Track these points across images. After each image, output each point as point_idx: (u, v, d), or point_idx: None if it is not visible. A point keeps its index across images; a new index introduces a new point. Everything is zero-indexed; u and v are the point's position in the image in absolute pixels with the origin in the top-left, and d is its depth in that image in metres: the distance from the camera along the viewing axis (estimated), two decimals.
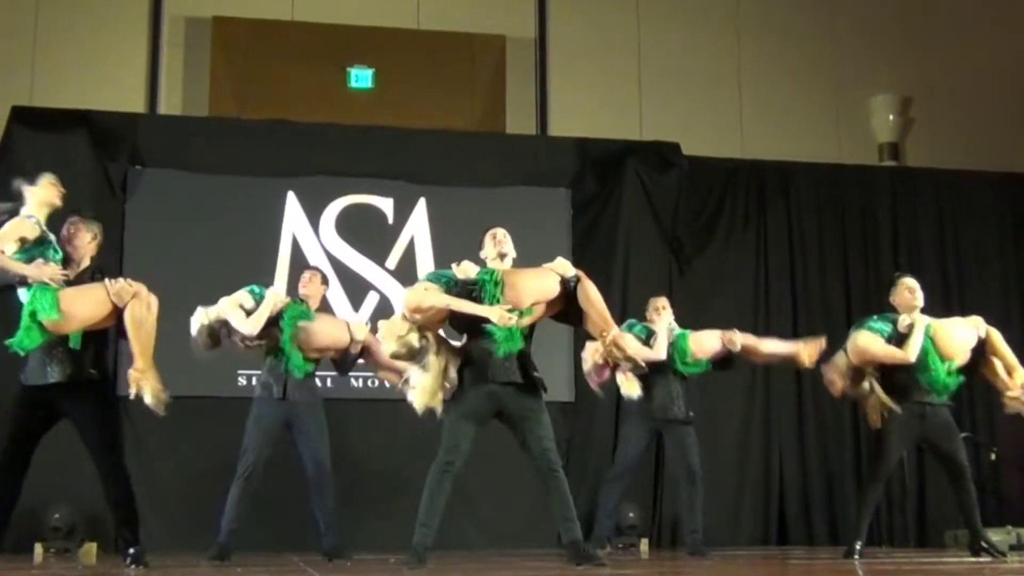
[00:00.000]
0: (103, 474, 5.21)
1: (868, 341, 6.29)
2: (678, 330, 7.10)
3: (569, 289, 5.26)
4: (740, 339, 7.01)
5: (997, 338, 6.34)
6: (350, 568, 5.67)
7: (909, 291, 6.47)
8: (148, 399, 5.07)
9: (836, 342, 9.28)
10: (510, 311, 5.09)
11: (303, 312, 6.39)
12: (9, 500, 5.14)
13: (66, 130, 8.34)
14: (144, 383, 5.06)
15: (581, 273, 5.30)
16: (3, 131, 8.34)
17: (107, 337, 5.33)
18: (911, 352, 6.19)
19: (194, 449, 8.02)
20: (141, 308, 5.05)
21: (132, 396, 5.09)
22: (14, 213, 5.13)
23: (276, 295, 6.32)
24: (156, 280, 8.27)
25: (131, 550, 5.20)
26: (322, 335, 6.44)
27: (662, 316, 7.10)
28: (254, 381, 7.97)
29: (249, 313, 6.19)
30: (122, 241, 8.38)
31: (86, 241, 5.32)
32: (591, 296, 5.26)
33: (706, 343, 7.06)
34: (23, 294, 5.00)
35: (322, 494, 6.29)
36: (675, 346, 7.01)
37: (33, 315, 4.93)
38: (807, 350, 7.00)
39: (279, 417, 6.31)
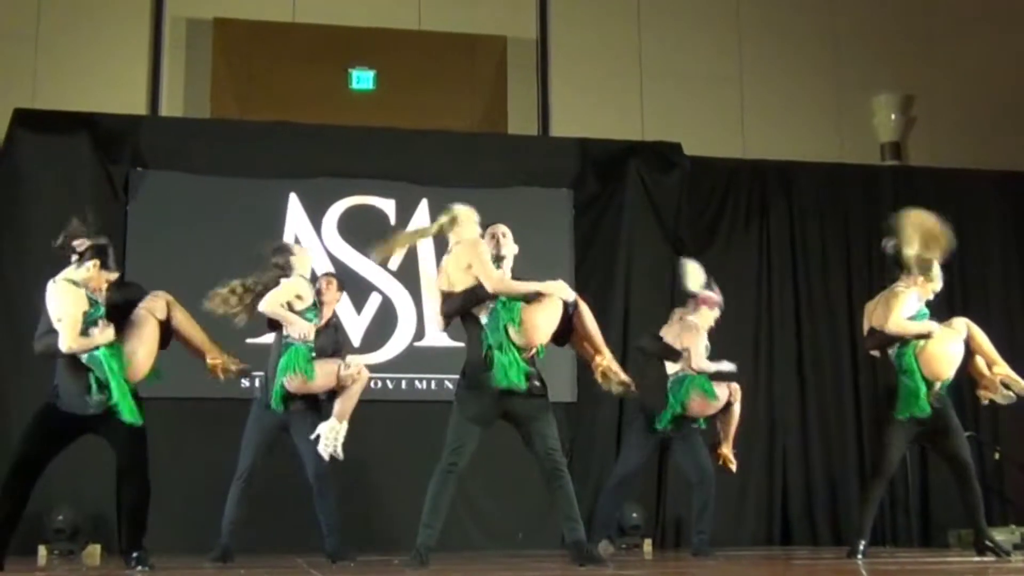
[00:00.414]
0: (126, 481, 5.34)
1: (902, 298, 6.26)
2: (693, 374, 6.90)
3: (568, 313, 5.26)
4: (739, 395, 6.99)
5: (978, 335, 6.35)
6: (353, 569, 5.67)
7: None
8: (235, 375, 5.63)
9: (838, 341, 9.39)
10: (521, 350, 5.08)
11: (305, 365, 6.06)
12: (22, 506, 5.19)
13: (68, 132, 8.34)
14: (227, 364, 5.53)
15: (578, 298, 5.31)
16: (5, 134, 8.35)
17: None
18: (894, 321, 6.14)
19: (198, 450, 8.01)
20: (178, 309, 5.45)
21: (223, 380, 5.62)
22: (71, 244, 5.24)
23: (297, 288, 6.18)
24: (158, 282, 8.34)
25: (135, 553, 5.28)
26: (310, 386, 6.19)
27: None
28: (257, 383, 7.97)
29: (289, 306, 6.12)
30: (124, 243, 8.39)
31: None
32: (587, 321, 5.30)
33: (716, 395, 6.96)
34: (96, 358, 5.12)
35: (323, 496, 6.28)
36: (685, 386, 6.87)
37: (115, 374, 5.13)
38: (728, 455, 7.04)
39: (278, 418, 6.29)
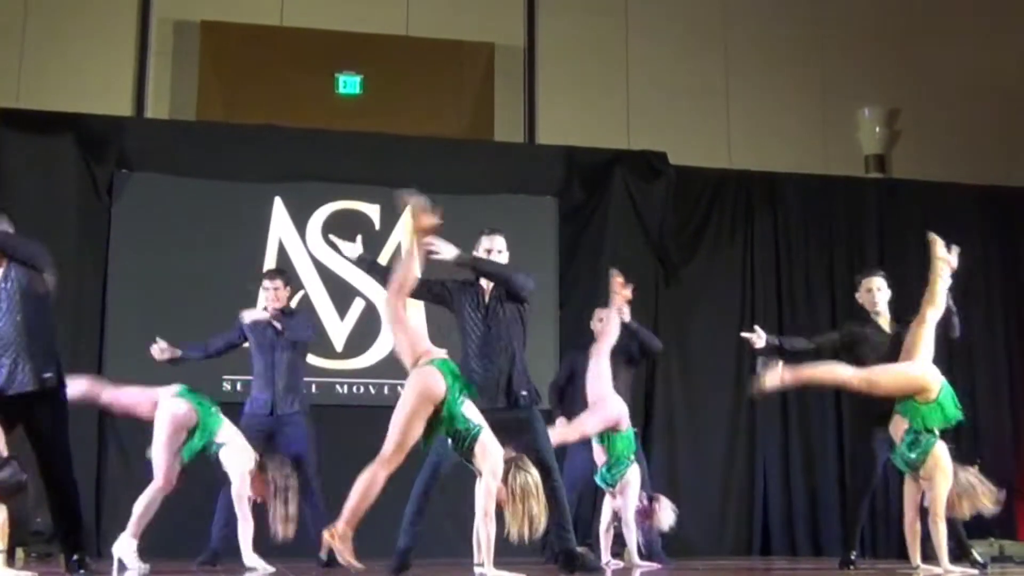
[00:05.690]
0: (52, 481, 5.10)
1: None
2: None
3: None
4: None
5: None
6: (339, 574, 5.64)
7: (868, 291, 6.58)
8: None
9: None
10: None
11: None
12: None
13: (53, 133, 8.31)
14: None
15: None
16: None
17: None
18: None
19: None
20: None
21: None
22: None
23: None
24: (142, 284, 8.36)
25: (75, 556, 5.16)
26: None
27: None
28: (239, 387, 7.96)
29: None
30: (108, 245, 8.37)
31: None
32: None
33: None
34: None
35: (309, 502, 6.26)
36: None
37: None
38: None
39: (265, 426, 6.33)
